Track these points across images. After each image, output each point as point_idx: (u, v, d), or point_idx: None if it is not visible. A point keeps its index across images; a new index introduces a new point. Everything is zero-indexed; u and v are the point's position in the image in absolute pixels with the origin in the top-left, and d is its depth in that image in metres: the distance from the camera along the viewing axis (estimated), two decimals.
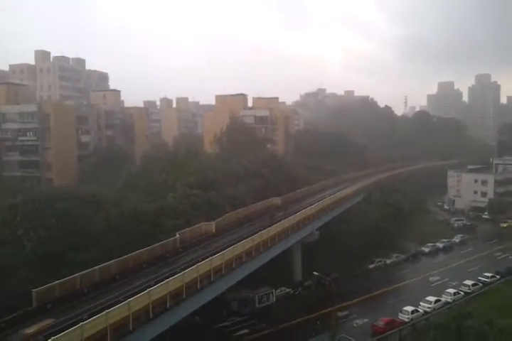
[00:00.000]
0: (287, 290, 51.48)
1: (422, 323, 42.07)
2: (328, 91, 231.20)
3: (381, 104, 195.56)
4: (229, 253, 37.44)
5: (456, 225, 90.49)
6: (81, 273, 32.01)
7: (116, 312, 25.11)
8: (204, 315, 40.04)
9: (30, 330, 25.59)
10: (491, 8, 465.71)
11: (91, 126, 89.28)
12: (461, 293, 51.40)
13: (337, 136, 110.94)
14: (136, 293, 28.49)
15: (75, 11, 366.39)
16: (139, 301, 26.78)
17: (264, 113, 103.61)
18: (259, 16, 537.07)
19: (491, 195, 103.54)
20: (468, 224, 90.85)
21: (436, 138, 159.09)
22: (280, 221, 49.81)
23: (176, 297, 30.22)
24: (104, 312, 24.44)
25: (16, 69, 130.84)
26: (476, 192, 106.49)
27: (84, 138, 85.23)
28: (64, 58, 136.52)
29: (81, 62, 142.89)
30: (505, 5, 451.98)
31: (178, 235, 42.23)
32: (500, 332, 36.26)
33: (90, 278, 32.44)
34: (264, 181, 65.95)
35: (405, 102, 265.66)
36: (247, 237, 42.39)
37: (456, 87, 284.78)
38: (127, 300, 26.25)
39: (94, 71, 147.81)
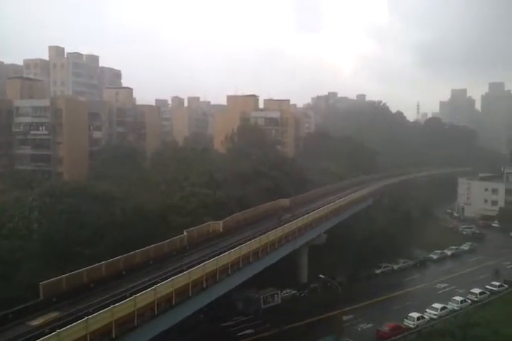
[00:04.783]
0: (293, 292, 51.30)
1: (427, 330, 41.77)
2: (339, 95, 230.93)
3: (393, 110, 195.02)
4: (235, 253, 37.35)
5: (465, 233, 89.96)
6: (88, 267, 32.04)
7: (122, 308, 25.15)
8: (209, 314, 40.00)
9: (36, 322, 25.72)
10: (505, 16, 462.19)
11: (103, 122, 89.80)
12: (468, 301, 50.97)
13: (347, 140, 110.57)
14: (143, 289, 28.50)
15: (89, 8, 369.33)
16: (144, 297, 26.78)
17: (275, 115, 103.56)
18: (273, 18, 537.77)
19: (501, 203, 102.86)
20: (477, 232, 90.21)
21: (448, 145, 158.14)
22: (288, 222, 49.66)
23: (182, 294, 30.19)
24: (109, 307, 24.50)
25: (30, 64, 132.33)
26: (486, 201, 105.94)
27: (96, 134, 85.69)
28: (78, 55, 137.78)
29: (94, 58, 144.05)
30: None
31: (185, 233, 42.25)
32: None
33: (97, 272, 32.44)
34: (273, 182, 65.69)
35: (417, 108, 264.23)
36: (254, 238, 42.28)
37: (469, 95, 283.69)
38: (133, 296, 26.27)
39: (108, 68, 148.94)
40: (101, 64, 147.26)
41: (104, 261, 33.40)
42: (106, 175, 64.35)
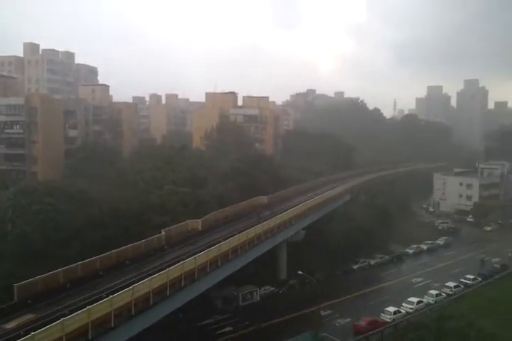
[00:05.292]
0: (271, 288, 51.54)
1: (403, 324, 42.47)
2: (318, 92, 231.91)
3: (370, 106, 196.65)
4: (214, 251, 37.43)
5: (440, 228, 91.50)
6: (64, 268, 31.76)
7: (98, 309, 24.99)
8: (188, 313, 39.98)
9: (10, 325, 25.38)
10: (480, 15, 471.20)
11: (79, 120, 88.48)
12: (443, 294, 51.98)
13: (325, 137, 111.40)
14: (119, 289, 28.36)
15: (67, 5, 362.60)
16: (121, 298, 26.68)
17: (254, 112, 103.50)
18: (252, 15, 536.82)
19: (475, 198, 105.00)
20: (452, 226, 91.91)
21: (424, 141, 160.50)
22: (266, 220, 49.90)
23: (160, 294, 30.15)
24: (85, 308, 24.34)
25: (4, 61, 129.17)
26: (461, 196, 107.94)
27: (72, 133, 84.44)
28: (53, 51, 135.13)
29: (70, 55, 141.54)
30: (495, 12, 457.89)
31: (163, 232, 42.07)
32: (480, 334, 36.87)
33: (73, 273, 32.21)
34: (252, 180, 65.82)
35: (394, 105, 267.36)
36: (233, 235, 42.43)
37: (444, 92, 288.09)
38: (110, 297, 26.14)
39: (84, 65, 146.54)
40: (77, 61, 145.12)
41: (81, 261, 33.12)
42: (82, 174, 63.52)
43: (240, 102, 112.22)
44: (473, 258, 69.52)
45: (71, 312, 25.03)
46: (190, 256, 35.95)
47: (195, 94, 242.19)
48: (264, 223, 48.09)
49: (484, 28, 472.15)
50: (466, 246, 79.23)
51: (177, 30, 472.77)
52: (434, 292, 51.74)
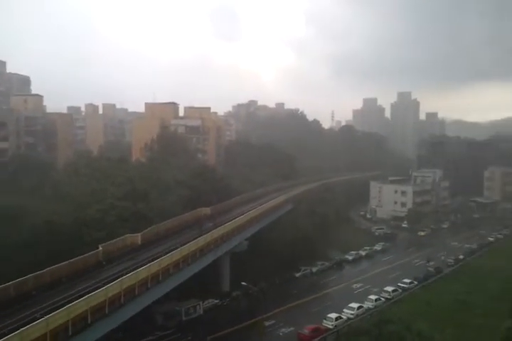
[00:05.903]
0: (215, 301, 51.01)
1: (345, 330, 43.40)
2: (260, 103, 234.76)
3: (310, 117, 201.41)
4: (155, 265, 36.62)
5: (377, 234, 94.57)
6: None
7: (33, 330, 23.79)
8: (128, 330, 38.69)
9: None
10: (412, 30, 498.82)
11: (10, 131, 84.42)
12: (382, 299, 53.59)
13: (267, 148, 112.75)
14: (55, 309, 27.07)
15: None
16: (57, 318, 25.49)
17: (196, 123, 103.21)
18: (193, 26, 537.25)
19: (409, 205, 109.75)
20: (388, 232, 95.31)
21: (361, 151, 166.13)
22: (209, 231, 49.56)
23: (98, 312, 29.05)
24: (18, 331, 23.10)
25: None
26: (396, 203, 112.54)
27: (2, 145, 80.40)
28: None
29: (2, 64, 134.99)
30: (426, 28, 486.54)
31: (100, 248, 40.64)
32: (418, 336, 38.40)
33: (3, 294, 30.37)
34: (195, 191, 65.21)
35: (332, 116, 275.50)
36: (175, 249, 41.73)
37: (379, 103, 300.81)
38: (45, 317, 24.90)
39: (16, 74, 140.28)
40: (9, 70, 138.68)
41: (12, 281, 31.30)
42: (14, 188, 60.35)
43: (181, 113, 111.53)
44: (410, 263, 72.52)
45: (2, 336, 23.58)
46: (130, 271, 34.95)
47: (135, 104, 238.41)
48: (207, 235, 47.71)
49: (416, 42, 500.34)
50: (402, 250, 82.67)
51: (116, 38, 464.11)
52: (373, 297, 53.22)
